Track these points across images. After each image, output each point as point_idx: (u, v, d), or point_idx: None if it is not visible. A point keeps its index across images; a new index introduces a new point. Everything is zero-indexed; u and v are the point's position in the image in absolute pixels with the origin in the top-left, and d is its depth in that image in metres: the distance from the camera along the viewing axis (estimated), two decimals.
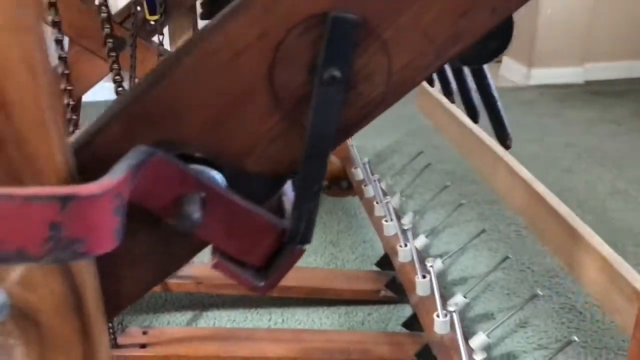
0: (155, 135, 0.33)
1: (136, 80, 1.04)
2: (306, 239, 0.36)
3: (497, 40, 0.39)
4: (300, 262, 1.30)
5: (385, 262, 1.35)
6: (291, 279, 1.30)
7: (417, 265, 1.17)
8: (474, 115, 0.51)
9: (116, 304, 0.38)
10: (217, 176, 0.35)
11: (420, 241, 1.32)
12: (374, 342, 1.13)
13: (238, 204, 0.35)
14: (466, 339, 1.01)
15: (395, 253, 1.29)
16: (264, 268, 0.37)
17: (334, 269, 1.40)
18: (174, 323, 1.27)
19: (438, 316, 1.06)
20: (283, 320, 1.29)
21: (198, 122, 0.33)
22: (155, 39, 1.35)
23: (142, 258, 0.37)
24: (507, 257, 1.16)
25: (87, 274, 0.34)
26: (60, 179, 0.31)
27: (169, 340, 1.11)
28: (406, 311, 1.29)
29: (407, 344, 1.12)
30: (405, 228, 1.16)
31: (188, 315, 1.29)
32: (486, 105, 0.46)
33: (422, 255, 1.26)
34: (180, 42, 1.61)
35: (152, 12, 1.47)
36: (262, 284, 0.37)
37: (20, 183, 0.31)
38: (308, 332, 1.21)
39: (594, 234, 1.21)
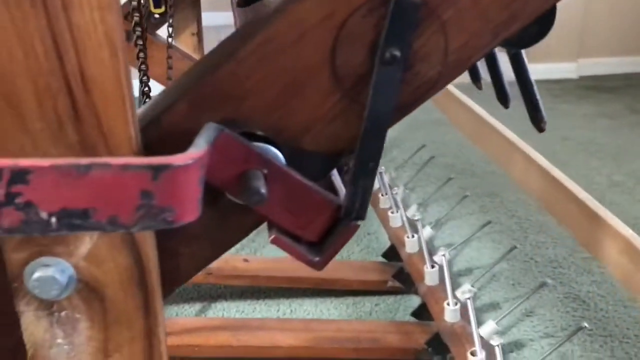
0: (220, 114, 0.34)
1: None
2: (361, 215, 0.37)
3: (538, 24, 0.41)
4: None
5: (392, 253, 1.37)
6: (299, 269, 1.31)
7: (426, 255, 1.18)
8: (505, 100, 0.52)
9: (174, 280, 0.39)
10: (278, 154, 0.36)
11: (426, 232, 1.34)
12: (383, 331, 1.15)
13: (297, 181, 0.36)
14: None
15: (402, 244, 1.30)
16: (318, 243, 0.38)
17: (341, 260, 1.41)
18: (182, 314, 1.28)
19: (448, 304, 1.08)
20: (291, 311, 1.30)
21: (261, 101, 0.34)
22: (163, 32, 1.36)
23: (199, 234, 0.38)
24: (514, 247, 1.18)
25: (150, 249, 0.35)
26: (131, 154, 0.32)
27: (180, 330, 1.12)
28: (413, 301, 1.30)
29: (416, 333, 1.13)
30: (415, 219, 1.18)
31: (196, 306, 1.30)
32: (522, 90, 0.47)
33: (429, 246, 1.28)
34: (184, 35, 1.61)
35: (157, 5, 1.47)
36: (317, 258, 0.38)
37: (95, 156, 0.31)
38: (318, 321, 1.22)
39: (614, 217, 1.23)
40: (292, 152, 0.36)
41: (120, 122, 0.31)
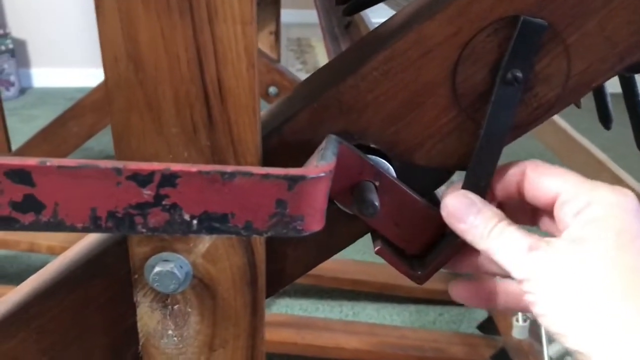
0: (339, 126, 0.35)
1: None
2: None
3: None
4: (370, 259, 1.32)
5: None
6: (363, 273, 1.32)
7: None
8: (607, 121, 0.51)
9: (278, 281, 0.40)
10: (390, 167, 0.36)
11: None
12: (448, 341, 1.14)
13: (407, 195, 0.36)
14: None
15: None
16: (420, 257, 0.39)
17: None
18: None
19: (517, 320, 1.06)
20: (354, 314, 1.31)
21: (379, 115, 0.35)
22: None
23: (306, 239, 0.39)
24: None
25: (262, 251, 0.36)
26: (256, 163, 0.33)
27: None
28: (478, 314, 1.29)
29: (481, 346, 1.12)
30: None
31: None
32: (631, 113, 0.46)
33: None
34: (262, 34, 1.64)
35: None
36: (419, 272, 0.38)
37: (224, 163, 0.33)
38: (382, 327, 1.22)
39: None
40: (402, 166, 0.37)
41: (249, 130, 0.32)
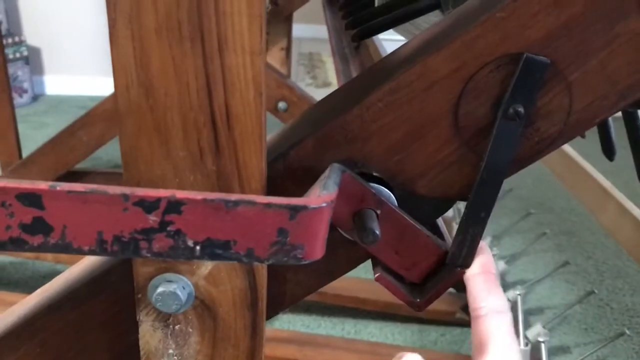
0: (343, 154, 0.36)
1: None
2: (467, 263, 0.37)
3: None
4: (373, 277, 1.30)
5: (462, 285, 1.35)
6: (366, 291, 1.32)
7: None
8: (610, 153, 0.52)
9: (278, 304, 0.41)
10: (391, 195, 0.37)
11: (499, 266, 1.32)
12: None
13: (408, 223, 0.37)
14: None
15: None
16: (420, 285, 0.39)
17: None
18: None
19: (519, 345, 1.06)
20: (356, 332, 1.31)
21: (383, 145, 0.36)
22: None
23: (307, 264, 0.40)
24: (592, 292, 1.14)
25: (263, 275, 0.37)
26: (260, 188, 0.34)
27: None
28: None
29: None
30: (493, 253, 1.16)
31: None
32: (633, 147, 0.47)
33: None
34: (274, 50, 1.66)
35: None
36: (418, 300, 0.39)
37: (229, 189, 0.34)
38: (383, 346, 1.22)
39: None
40: (404, 194, 0.37)
41: (255, 156, 0.33)
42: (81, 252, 0.27)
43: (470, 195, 0.36)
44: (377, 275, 0.38)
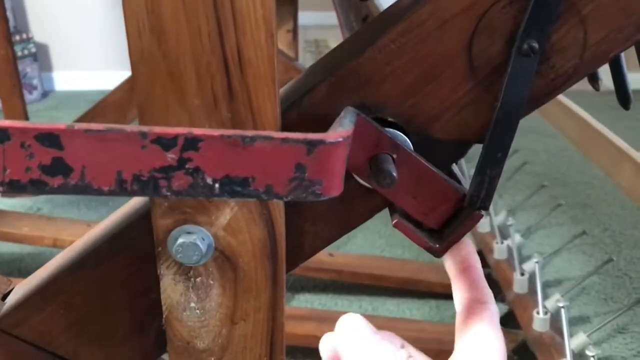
0: (357, 99, 0.36)
1: None
2: (485, 205, 0.37)
3: None
4: (389, 254, 1.33)
5: None
6: (383, 268, 1.32)
7: (516, 262, 1.16)
8: (626, 101, 0.51)
9: (297, 256, 0.41)
10: (407, 140, 0.37)
11: (515, 240, 1.31)
12: None
13: (425, 167, 0.37)
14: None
15: (490, 250, 1.28)
16: (438, 230, 0.39)
17: (425, 262, 1.40)
18: None
19: (538, 313, 1.05)
20: (373, 309, 1.31)
21: (397, 88, 0.36)
22: None
23: (324, 214, 0.40)
24: (610, 260, 1.13)
25: (282, 224, 0.37)
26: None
27: None
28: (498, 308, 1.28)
29: None
30: (509, 224, 1.16)
31: None
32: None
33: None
34: (280, 32, 1.65)
35: None
36: (437, 245, 0.39)
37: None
38: (401, 320, 1.22)
39: None
40: (420, 139, 0.37)
41: (269, 101, 0.33)
42: (101, 193, 0.27)
43: (487, 136, 0.36)
44: (395, 221, 0.38)
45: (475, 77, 0.35)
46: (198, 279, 0.38)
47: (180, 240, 0.36)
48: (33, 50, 2.67)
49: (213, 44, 0.31)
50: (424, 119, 0.37)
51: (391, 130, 0.36)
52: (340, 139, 0.28)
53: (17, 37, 2.58)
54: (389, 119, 0.37)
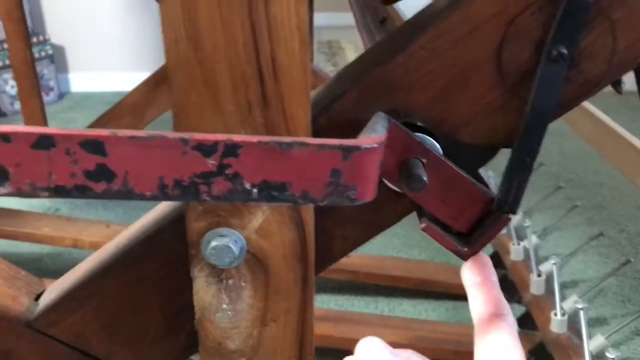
0: (386, 104, 0.36)
1: None
2: (513, 209, 0.38)
3: None
4: (405, 255, 1.32)
5: (495, 261, 1.35)
6: (399, 269, 1.32)
7: (533, 263, 1.16)
8: None
9: (326, 259, 0.41)
10: (436, 144, 0.37)
11: (532, 241, 1.31)
12: None
13: (454, 172, 0.37)
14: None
15: (507, 251, 1.28)
16: (466, 234, 0.39)
17: (442, 263, 1.40)
18: None
19: (556, 315, 1.05)
20: (389, 310, 1.31)
21: (426, 93, 0.36)
22: None
23: (353, 218, 0.40)
24: (628, 261, 1.13)
25: (312, 227, 0.38)
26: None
27: None
28: (514, 310, 1.28)
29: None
30: (526, 225, 1.15)
31: None
32: None
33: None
34: None
35: None
36: (466, 249, 0.39)
37: None
38: (418, 321, 1.22)
39: None
40: (448, 143, 0.38)
41: (302, 108, 0.33)
42: (143, 198, 0.28)
43: (516, 141, 0.36)
44: (423, 225, 0.39)
45: (505, 83, 0.36)
46: (230, 281, 0.38)
47: (213, 243, 0.36)
48: (50, 52, 2.70)
49: (248, 52, 0.32)
50: (453, 123, 0.37)
51: (421, 135, 0.37)
52: (375, 145, 0.29)
53: (34, 39, 2.60)
54: (418, 124, 0.37)
